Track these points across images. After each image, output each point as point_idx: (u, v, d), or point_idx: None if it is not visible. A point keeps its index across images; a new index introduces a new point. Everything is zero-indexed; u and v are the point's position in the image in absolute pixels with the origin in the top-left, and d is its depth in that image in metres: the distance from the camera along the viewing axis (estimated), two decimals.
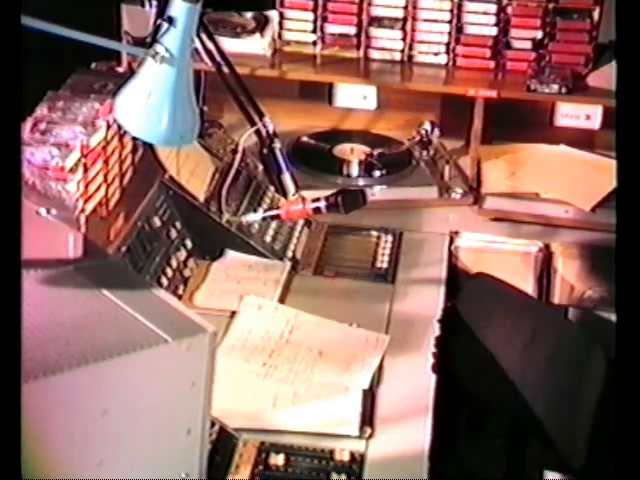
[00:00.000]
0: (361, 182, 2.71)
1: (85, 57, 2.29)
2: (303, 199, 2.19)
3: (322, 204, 2.17)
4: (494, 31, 2.80)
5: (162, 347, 1.37)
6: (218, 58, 2.21)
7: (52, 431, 1.31)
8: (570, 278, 2.48)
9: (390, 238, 2.48)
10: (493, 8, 2.79)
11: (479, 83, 2.76)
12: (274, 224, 2.41)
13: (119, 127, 2.02)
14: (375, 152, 2.77)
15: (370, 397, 1.93)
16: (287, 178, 2.21)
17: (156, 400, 1.40)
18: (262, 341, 2.06)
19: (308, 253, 2.42)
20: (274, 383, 1.94)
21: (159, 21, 1.79)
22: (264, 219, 2.27)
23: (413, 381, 1.99)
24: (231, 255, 2.33)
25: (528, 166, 2.80)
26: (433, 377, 2.00)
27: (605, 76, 2.70)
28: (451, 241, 2.53)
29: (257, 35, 2.85)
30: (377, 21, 2.85)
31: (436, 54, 2.85)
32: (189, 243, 2.28)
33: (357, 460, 1.77)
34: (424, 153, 2.83)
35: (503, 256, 2.52)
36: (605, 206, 2.60)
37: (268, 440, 1.80)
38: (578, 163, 2.82)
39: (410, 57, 2.86)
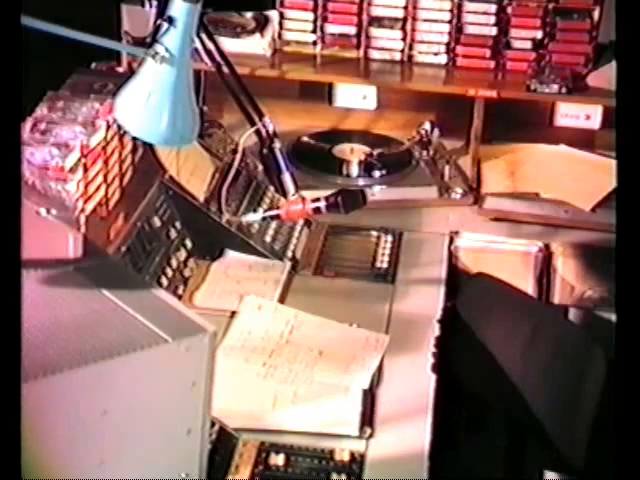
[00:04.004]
0: (361, 182, 2.71)
1: (85, 57, 2.29)
2: (303, 199, 2.19)
3: (322, 204, 2.17)
4: (494, 31, 2.80)
5: (162, 347, 1.37)
6: (218, 58, 2.21)
7: (52, 431, 1.31)
8: (570, 278, 2.48)
9: (390, 238, 2.48)
10: (493, 8, 2.79)
11: (479, 83, 2.75)
12: (274, 224, 2.41)
13: (119, 127, 2.02)
14: (375, 152, 2.77)
15: (370, 397, 1.93)
16: (287, 178, 2.21)
17: (156, 400, 1.40)
18: (262, 341, 2.06)
19: (308, 253, 2.42)
20: (274, 383, 1.94)
21: (159, 21, 1.79)
22: (264, 219, 2.27)
23: (413, 381, 1.99)
24: (231, 255, 2.33)
25: (528, 166, 2.80)
26: (433, 377, 2.01)
27: (605, 76, 2.69)
28: (451, 241, 2.53)
29: (257, 35, 2.85)
30: (377, 21, 2.85)
31: (436, 54, 2.85)
32: (189, 243, 2.28)
33: (357, 460, 1.77)
34: (424, 153, 2.83)
35: (503, 256, 2.52)
36: (605, 206, 2.60)
37: (268, 440, 1.80)
38: (578, 163, 2.83)
39: (410, 57, 2.86)
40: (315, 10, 2.85)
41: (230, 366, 1.95)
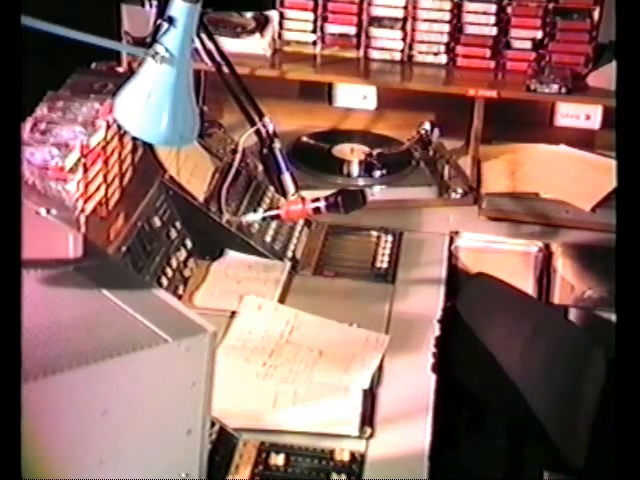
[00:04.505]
0: (361, 182, 2.71)
1: (85, 57, 2.29)
2: (303, 199, 2.19)
3: (322, 204, 2.18)
4: (494, 31, 2.80)
5: (162, 347, 1.37)
6: (218, 58, 2.21)
7: (52, 431, 1.31)
8: (570, 278, 2.48)
9: (390, 238, 2.48)
10: (493, 8, 2.79)
11: (479, 83, 2.75)
12: (274, 224, 2.41)
13: (119, 127, 2.02)
14: (375, 152, 2.77)
15: (370, 397, 1.93)
16: (287, 178, 2.21)
17: (156, 400, 1.40)
18: (262, 341, 2.06)
19: (308, 253, 2.42)
20: (274, 383, 1.94)
21: (159, 21, 1.79)
22: (264, 219, 2.27)
23: (413, 381, 1.99)
24: (231, 255, 2.33)
25: (528, 166, 2.80)
26: (433, 377, 2.01)
27: (605, 76, 2.69)
28: (451, 241, 2.53)
29: (257, 35, 2.85)
30: (377, 21, 2.85)
31: (436, 54, 2.85)
32: (189, 243, 2.28)
33: (357, 460, 1.77)
34: (424, 153, 2.83)
35: (503, 256, 2.52)
36: (605, 206, 2.60)
37: (268, 440, 1.80)
38: (578, 163, 2.82)
39: (410, 57, 2.86)
40: (315, 10, 2.85)
41: (230, 366, 1.95)
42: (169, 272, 2.17)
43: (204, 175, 2.42)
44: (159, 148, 2.24)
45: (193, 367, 1.41)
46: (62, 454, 1.33)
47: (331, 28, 2.87)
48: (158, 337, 1.38)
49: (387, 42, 2.86)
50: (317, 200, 2.18)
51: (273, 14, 2.88)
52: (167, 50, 1.78)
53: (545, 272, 2.50)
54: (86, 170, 1.93)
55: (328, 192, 2.21)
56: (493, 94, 2.72)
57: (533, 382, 2.08)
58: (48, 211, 1.61)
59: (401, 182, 2.74)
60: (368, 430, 1.85)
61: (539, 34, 2.79)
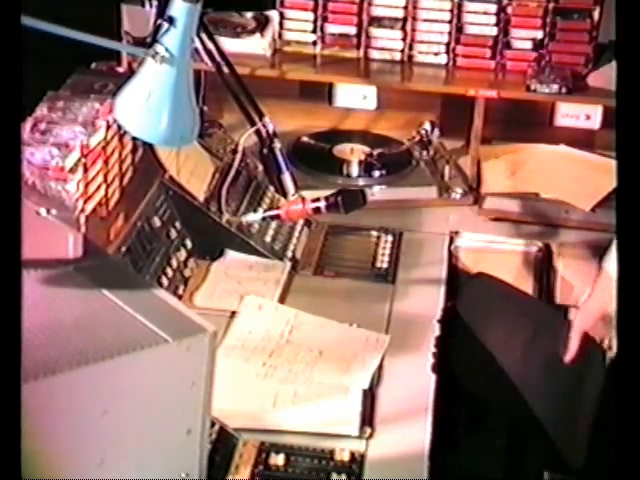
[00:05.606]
0: (361, 182, 2.71)
1: (85, 57, 2.29)
2: (303, 199, 2.19)
3: (322, 204, 2.17)
4: (494, 31, 2.80)
5: (162, 347, 1.37)
6: (218, 58, 2.21)
7: (52, 431, 1.31)
8: (570, 278, 2.48)
9: (390, 238, 2.49)
10: (493, 8, 2.78)
11: (479, 83, 2.75)
12: (274, 224, 2.41)
13: (119, 127, 2.02)
14: (375, 152, 2.77)
15: (370, 397, 1.93)
16: (287, 178, 2.21)
17: (156, 400, 1.40)
18: (262, 341, 2.06)
19: (308, 253, 2.42)
20: (274, 383, 1.95)
21: (159, 21, 1.79)
22: (264, 219, 2.27)
23: (413, 381, 1.99)
24: (231, 255, 2.33)
25: (528, 166, 2.80)
26: (433, 377, 2.01)
27: (605, 76, 2.69)
28: (451, 241, 2.53)
29: (257, 35, 2.85)
30: (377, 21, 2.84)
31: (436, 54, 2.84)
32: (189, 243, 2.28)
33: (357, 460, 1.77)
34: (424, 153, 2.83)
35: (503, 256, 2.52)
36: (605, 206, 2.60)
37: (268, 440, 1.80)
38: (578, 163, 2.83)
39: (410, 57, 2.86)
40: (315, 10, 2.85)
41: (230, 366, 1.95)
42: (169, 272, 2.17)
43: (204, 175, 2.42)
44: (159, 148, 2.24)
45: (193, 367, 1.41)
46: (62, 454, 1.33)
47: (331, 28, 2.87)
48: (158, 337, 1.38)
49: (387, 42, 2.86)
50: (317, 200, 2.18)
51: (273, 14, 2.88)
52: (167, 50, 1.78)
53: (545, 272, 2.50)
54: (86, 170, 1.93)
55: (328, 192, 2.21)
56: (493, 94, 2.72)
57: (533, 382, 2.08)
58: (48, 211, 1.61)
59: (401, 182, 2.75)
60: (368, 430, 1.85)
61: (539, 34, 2.79)
